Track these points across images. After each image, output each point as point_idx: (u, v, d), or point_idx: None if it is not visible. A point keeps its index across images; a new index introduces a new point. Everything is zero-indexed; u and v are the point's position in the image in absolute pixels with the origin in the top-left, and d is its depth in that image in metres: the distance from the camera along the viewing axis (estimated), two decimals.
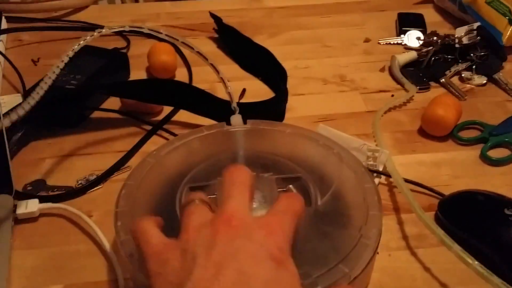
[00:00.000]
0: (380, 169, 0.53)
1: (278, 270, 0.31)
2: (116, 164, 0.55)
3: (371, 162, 0.53)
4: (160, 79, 0.66)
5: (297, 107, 0.63)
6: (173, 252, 0.33)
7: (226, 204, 0.34)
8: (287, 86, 0.64)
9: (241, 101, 0.64)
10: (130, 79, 0.69)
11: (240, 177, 0.37)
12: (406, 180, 0.50)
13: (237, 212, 0.33)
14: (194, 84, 0.67)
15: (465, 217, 0.47)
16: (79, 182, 0.53)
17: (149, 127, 0.60)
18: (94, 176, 0.54)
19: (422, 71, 0.69)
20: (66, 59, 0.48)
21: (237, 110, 0.54)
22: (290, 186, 0.46)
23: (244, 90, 0.66)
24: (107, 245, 0.46)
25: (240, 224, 0.33)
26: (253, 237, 0.32)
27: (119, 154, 0.56)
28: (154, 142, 0.59)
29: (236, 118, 0.53)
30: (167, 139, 0.59)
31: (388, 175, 0.52)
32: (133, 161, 0.56)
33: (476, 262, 0.41)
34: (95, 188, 0.53)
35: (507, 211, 0.45)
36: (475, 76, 0.68)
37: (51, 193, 0.52)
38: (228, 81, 0.54)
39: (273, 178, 0.46)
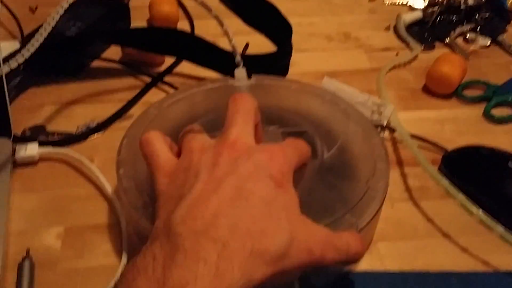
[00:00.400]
0: (384, 124, 0.52)
1: (277, 190, 0.31)
2: (117, 112, 0.54)
3: (376, 117, 0.53)
4: (163, 27, 0.65)
5: (300, 63, 0.63)
6: (178, 171, 0.33)
7: (230, 130, 0.34)
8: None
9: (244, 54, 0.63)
10: None
11: (244, 105, 0.36)
12: (410, 135, 0.50)
13: (240, 138, 0.33)
14: None
15: (469, 171, 0.47)
16: (80, 128, 0.52)
17: (150, 79, 0.59)
18: (95, 123, 0.53)
19: (427, 31, 0.68)
20: (66, 5, 0.47)
21: (241, 63, 0.53)
22: None
23: (247, 44, 0.65)
24: (109, 189, 0.45)
25: (243, 148, 0.33)
26: (255, 158, 0.32)
27: (119, 104, 0.55)
28: (156, 93, 0.58)
29: (240, 71, 0.52)
30: (167, 92, 0.58)
31: (392, 130, 0.52)
32: (134, 111, 0.55)
33: (480, 211, 0.41)
34: (96, 134, 0.52)
35: (511, 164, 0.45)
36: (479, 38, 0.67)
37: (51, 138, 0.51)
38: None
39: (279, 131, 0.46)
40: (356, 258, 0.34)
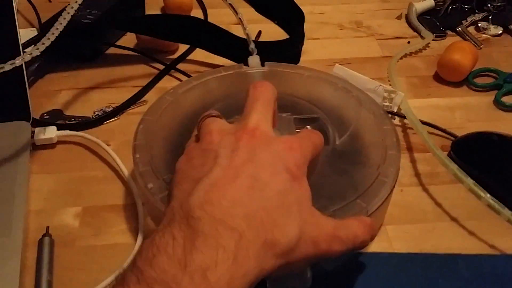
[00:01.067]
0: (395, 110, 0.53)
1: (292, 183, 0.32)
2: (133, 98, 0.55)
3: (387, 103, 0.53)
4: (177, 14, 0.66)
5: (312, 50, 0.63)
6: (197, 152, 0.34)
7: (250, 117, 0.35)
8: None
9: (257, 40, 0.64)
10: None
11: (265, 93, 0.37)
12: (421, 122, 0.50)
13: (260, 126, 0.34)
14: None
15: (479, 156, 0.48)
16: (96, 113, 0.54)
17: (163, 66, 0.60)
18: (111, 108, 0.54)
19: (438, 19, 0.69)
20: None
21: (255, 51, 0.54)
22: (308, 126, 0.47)
23: (259, 32, 0.66)
24: (125, 171, 0.47)
25: (263, 136, 0.33)
26: (273, 149, 0.33)
27: (134, 89, 0.57)
28: (169, 80, 0.59)
29: (254, 59, 0.53)
30: (180, 79, 0.59)
31: (402, 116, 0.53)
32: (149, 97, 0.57)
33: (489, 195, 0.41)
34: (112, 119, 0.53)
35: None
36: (491, 26, 0.67)
37: (68, 122, 0.53)
38: None
39: (291, 118, 0.46)
40: (362, 246, 0.35)
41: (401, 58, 0.62)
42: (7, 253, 0.38)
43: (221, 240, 0.28)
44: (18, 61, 0.43)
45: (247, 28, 0.53)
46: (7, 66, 0.42)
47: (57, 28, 0.45)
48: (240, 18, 0.53)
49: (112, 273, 0.38)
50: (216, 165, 0.31)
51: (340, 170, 0.43)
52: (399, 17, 0.70)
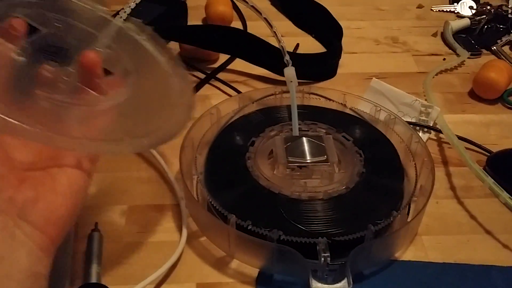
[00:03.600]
0: (431, 125, 0.54)
1: None
2: None
3: (423, 118, 0.55)
4: (219, 25, 0.68)
5: (349, 64, 0.65)
6: None
7: None
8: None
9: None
10: None
11: None
12: (456, 137, 0.51)
13: None
14: None
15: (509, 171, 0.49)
16: None
17: (204, 75, 0.62)
18: None
19: (474, 38, 0.70)
20: (133, 5, 0.50)
21: (290, 63, 0.55)
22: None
23: (297, 45, 0.68)
24: (169, 173, 0.49)
25: None
26: None
27: None
28: (210, 88, 0.61)
29: (289, 70, 0.55)
30: (219, 88, 0.61)
31: (438, 131, 0.54)
32: None
33: None
34: None
35: None
36: None
37: None
38: (281, 35, 0.55)
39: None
40: None
41: (436, 74, 0.63)
42: (60, 245, 0.40)
43: None
44: None
45: (282, 41, 0.55)
46: None
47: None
48: (274, 31, 0.55)
49: (158, 268, 0.40)
50: None
51: (378, 185, 0.45)
52: (434, 35, 0.71)
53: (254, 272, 0.42)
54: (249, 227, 0.40)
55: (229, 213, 0.41)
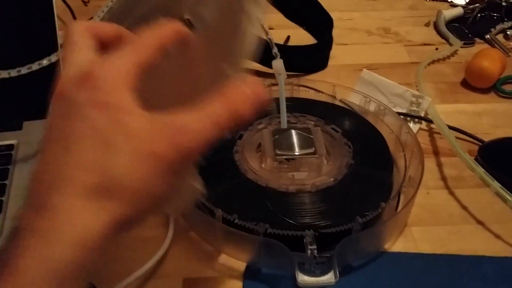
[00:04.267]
0: (422, 115, 0.54)
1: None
2: None
3: (414, 108, 0.54)
4: None
5: (340, 55, 0.64)
6: None
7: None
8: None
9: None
10: None
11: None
12: (448, 127, 0.51)
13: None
14: None
15: (505, 161, 0.48)
16: None
17: None
18: None
19: (467, 27, 0.69)
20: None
21: (278, 55, 0.55)
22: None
23: (288, 37, 0.67)
24: None
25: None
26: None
27: None
28: None
29: (278, 63, 0.54)
30: None
31: (429, 121, 0.53)
32: None
33: None
34: None
35: None
36: None
37: None
38: (270, 28, 0.55)
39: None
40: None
41: (429, 64, 0.62)
42: None
43: None
44: (53, 57, 0.45)
45: (269, 33, 0.55)
46: (45, 62, 0.45)
47: None
48: (261, 24, 0.54)
49: (144, 264, 0.40)
50: None
51: (366, 176, 0.45)
52: (427, 24, 0.70)
53: (241, 266, 0.41)
54: (236, 221, 0.40)
55: (216, 207, 0.41)
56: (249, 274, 0.40)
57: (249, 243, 0.40)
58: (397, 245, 0.43)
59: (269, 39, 0.55)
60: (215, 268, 0.41)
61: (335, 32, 0.66)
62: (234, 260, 0.42)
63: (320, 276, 0.38)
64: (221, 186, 0.44)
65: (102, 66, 0.26)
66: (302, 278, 0.38)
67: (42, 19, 0.51)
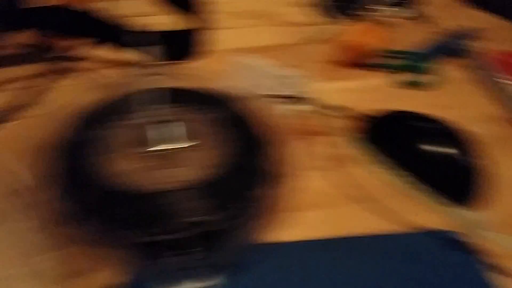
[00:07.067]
0: (300, 96, 0.51)
1: None
2: None
3: (297, 89, 0.52)
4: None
5: (221, 41, 0.60)
6: None
7: None
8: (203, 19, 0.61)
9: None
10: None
11: None
12: (327, 105, 0.49)
13: None
14: None
15: (388, 137, 0.46)
16: None
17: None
18: None
19: (348, 4, 0.68)
20: None
21: (150, 43, 0.51)
22: None
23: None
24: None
25: None
26: None
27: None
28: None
29: (148, 50, 0.50)
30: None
31: (308, 101, 0.51)
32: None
33: (399, 175, 0.40)
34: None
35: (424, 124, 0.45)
36: (402, 10, 0.68)
37: None
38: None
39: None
40: None
41: (308, 44, 0.60)
42: None
43: None
44: None
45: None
46: None
47: None
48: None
49: None
50: None
51: None
52: (307, 4, 0.69)
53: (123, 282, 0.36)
54: (101, 236, 0.35)
55: (80, 225, 0.36)
56: None
57: (122, 256, 0.36)
58: (287, 233, 0.39)
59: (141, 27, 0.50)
60: None
61: (216, 16, 0.62)
62: (115, 277, 0.36)
63: (205, 279, 0.34)
64: (84, 200, 0.38)
65: None
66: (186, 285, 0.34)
67: None
